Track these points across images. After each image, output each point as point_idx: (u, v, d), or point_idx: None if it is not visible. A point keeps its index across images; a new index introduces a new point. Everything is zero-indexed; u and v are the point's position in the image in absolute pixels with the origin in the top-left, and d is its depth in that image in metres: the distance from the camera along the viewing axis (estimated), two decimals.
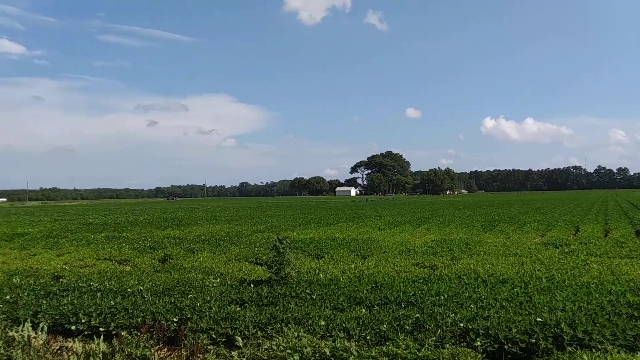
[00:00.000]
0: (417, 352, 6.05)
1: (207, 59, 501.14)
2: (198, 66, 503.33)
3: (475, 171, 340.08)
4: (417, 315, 7.73)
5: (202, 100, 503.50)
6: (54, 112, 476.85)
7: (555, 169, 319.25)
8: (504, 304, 8.63)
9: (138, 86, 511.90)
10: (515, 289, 9.83)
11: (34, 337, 7.25)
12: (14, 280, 11.88)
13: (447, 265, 13.95)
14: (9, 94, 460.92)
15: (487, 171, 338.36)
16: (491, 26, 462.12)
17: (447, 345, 6.43)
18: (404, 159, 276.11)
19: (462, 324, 7.08)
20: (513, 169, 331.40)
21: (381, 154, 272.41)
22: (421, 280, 11.16)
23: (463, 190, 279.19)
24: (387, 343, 6.58)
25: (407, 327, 7.17)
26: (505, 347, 6.43)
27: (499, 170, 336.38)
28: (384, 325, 7.20)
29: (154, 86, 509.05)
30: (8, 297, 9.72)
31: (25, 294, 10.09)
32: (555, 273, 11.83)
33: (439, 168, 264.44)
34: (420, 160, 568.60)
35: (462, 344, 6.56)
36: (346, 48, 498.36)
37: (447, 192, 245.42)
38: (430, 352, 6.02)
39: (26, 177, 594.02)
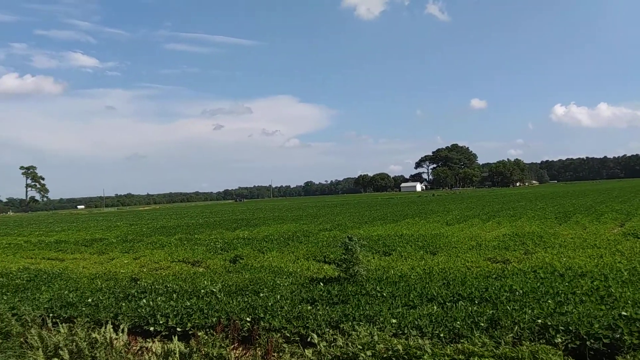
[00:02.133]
0: (495, 350, 5.89)
1: (270, 61, 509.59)
2: (261, 69, 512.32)
3: (547, 161, 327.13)
4: (491, 311, 7.54)
5: (265, 102, 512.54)
6: (126, 121, 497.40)
7: (632, 155, 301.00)
8: (583, 298, 8.29)
9: (204, 91, 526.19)
10: (594, 283, 9.42)
11: (116, 339, 7.54)
12: (95, 283, 12.45)
13: (520, 259, 13.53)
14: (84, 105, 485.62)
15: (559, 160, 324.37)
16: (558, 11, 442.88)
17: (525, 342, 6.23)
18: (471, 152, 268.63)
19: (540, 320, 6.84)
20: (587, 157, 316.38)
21: (446, 147, 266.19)
22: (494, 276, 10.88)
23: (534, 182, 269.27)
24: (462, 340, 6.44)
25: (482, 324, 7.00)
26: (588, 343, 6.16)
27: (571, 159, 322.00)
28: (458, 323, 7.06)
29: (219, 91, 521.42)
30: (90, 299, 10.17)
31: (106, 296, 10.52)
32: (638, 265, 11.24)
33: (507, 159, 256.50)
34: (487, 152, 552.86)
35: (541, 341, 6.33)
36: (406, 41, 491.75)
37: (517, 184, 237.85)
38: (508, 349, 5.85)
39: (102, 184, 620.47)
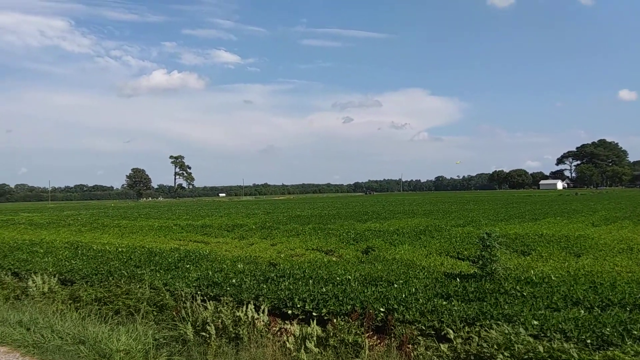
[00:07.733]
0: None
1: (400, 54, 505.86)
2: (391, 62, 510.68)
3: None
4: None
5: (395, 96, 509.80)
6: (263, 114, 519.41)
7: None
8: None
9: (335, 85, 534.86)
10: None
11: (257, 318, 8.00)
12: (237, 266, 13.22)
13: None
14: (225, 99, 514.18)
15: None
16: None
17: None
18: (620, 148, 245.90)
19: None
20: None
21: (593, 142, 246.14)
22: None
23: None
24: (611, 348, 6.02)
25: (635, 332, 6.46)
26: None
27: None
28: (607, 329, 6.58)
29: (350, 84, 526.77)
30: (233, 280, 10.78)
31: (248, 278, 11.08)
32: None
33: None
34: (638, 148, 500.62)
35: None
36: (544, 28, 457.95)
37: None
38: None
39: (241, 173, 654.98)
